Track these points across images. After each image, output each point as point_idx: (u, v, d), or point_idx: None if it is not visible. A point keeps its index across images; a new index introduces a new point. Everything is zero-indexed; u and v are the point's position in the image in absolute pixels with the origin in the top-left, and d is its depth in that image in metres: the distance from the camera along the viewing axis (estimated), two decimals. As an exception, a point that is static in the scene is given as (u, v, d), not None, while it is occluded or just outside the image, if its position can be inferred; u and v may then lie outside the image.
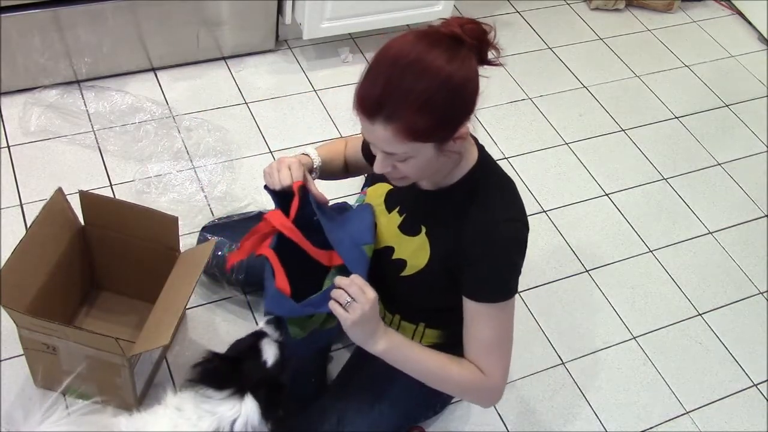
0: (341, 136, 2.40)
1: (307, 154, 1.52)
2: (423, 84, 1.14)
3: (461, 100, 1.18)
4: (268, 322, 1.43)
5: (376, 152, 1.26)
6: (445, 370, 1.38)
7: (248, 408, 1.29)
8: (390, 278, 1.47)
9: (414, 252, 1.42)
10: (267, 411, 1.30)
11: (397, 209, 1.47)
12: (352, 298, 1.25)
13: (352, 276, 1.27)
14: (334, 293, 1.27)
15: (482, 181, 1.36)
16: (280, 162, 1.39)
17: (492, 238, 1.32)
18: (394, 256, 1.45)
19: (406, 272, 1.44)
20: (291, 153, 2.34)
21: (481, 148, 1.39)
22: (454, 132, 1.21)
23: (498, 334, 1.38)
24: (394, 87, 1.14)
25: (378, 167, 1.26)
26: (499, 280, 1.35)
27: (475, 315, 1.36)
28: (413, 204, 1.44)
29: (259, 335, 1.41)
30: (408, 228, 1.44)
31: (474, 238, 1.33)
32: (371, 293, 1.27)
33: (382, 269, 1.49)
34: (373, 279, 1.58)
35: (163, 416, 1.33)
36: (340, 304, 1.26)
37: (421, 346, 1.40)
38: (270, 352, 1.36)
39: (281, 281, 1.32)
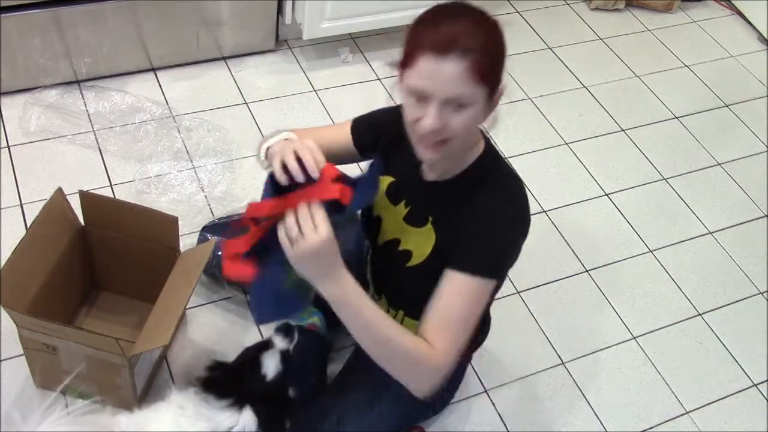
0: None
1: (289, 139, 1.42)
2: (485, 26, 1.20)
3: (505, 50, 1.24)
4: (277, 330, 1.42)
5: (427, 107, 1.22)
6: (393, 331, 1.25)
7: (246, 420, 1.29)
8: (396, 270, 1.47)
9: (420, 242, 1.42)
10: (268, 424, 1.30)
11: (403, 201, 1.47)
12: (302, 233, 1.15)
13: (313, 207, 1.17)
14: (287, 222, 1.17)
15: (490, 169, 1.37)
16: (294, 148, 1.23)
17: (495, 215, 1.32)
18: (401, 248, 1.45)
19: (412, 262, 1.43)
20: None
21: (487, 140, 1.40)
22: (499, 82, 1.24)
23: (465, 312, 1.30)
24: (464, 25, 1.19)
25: (432, 121, 1.21)
26: (492, 254, 1.31)
27: (451, 285, 1.29)
28: (419, 195, 1.44)
29: (263, 346, 1.40)
30: (414, 219, 1.44)
31: (476, 217, 1.32)
32: (324, 231, 1.16)
33: (388, 261, 1.49)
34: (379, 272, 1.58)
35: (165, 413, 1.33)
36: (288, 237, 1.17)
37: (376, 306, 1.27)
38: (271, 365, 1.35)
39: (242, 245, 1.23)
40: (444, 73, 1.17)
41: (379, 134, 1.51)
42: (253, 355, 1.38)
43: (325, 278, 1.22)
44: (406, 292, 1.52)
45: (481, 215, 1.33)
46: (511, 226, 1.34)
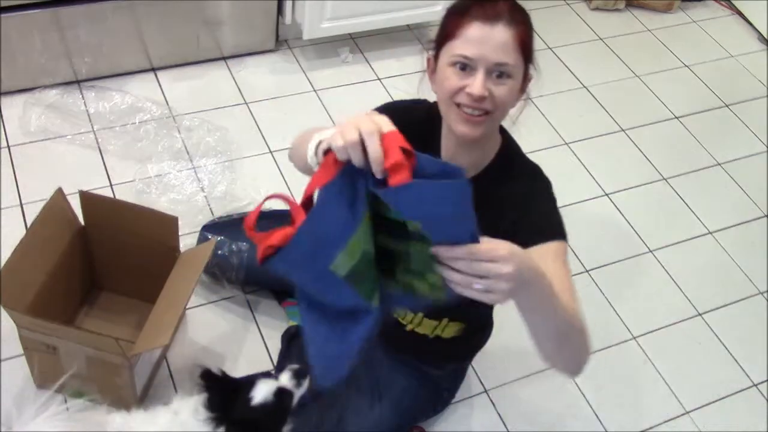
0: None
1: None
2: (522, 8, 1.26)
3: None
4: (290, 367, 1.38)
5: (471, 75, 1.22)
6: (566, 309, 1.10)
7: None
8: None
9: None
10: None
11: None
12: (484, 276, 0.91)
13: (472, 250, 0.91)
14: (458, 278, 0.92)
15: (514, 156, 1.40)
16: (360, 128, 0.92)
17: (533, 192, 1.35)
18: None
19: None
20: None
21: (503, 130, 1.42)
22: (532, 62, 1.29)
23: (568, 273, 1.23)
24: (506, 3, 1.23)
25: (480, 85, 1.22)
26: (555, 220, 1.33)
27: (542, 258, 1.15)
28: None
29: (269, 375, 1.37)
30: None
31: (515, 200, 1.33)
32: (504, 250, 0.92)
33: None
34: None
35: (162, 416, 1.33)
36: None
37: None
38: (260, 392, 1.33)
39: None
40: (494, 38, 1.20)
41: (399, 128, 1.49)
42: (254, 379, 1.36)
43: (534, 277, 1.00)
44: None
45: (522, 194, 1.35)
46: (551, 192, 1.39)
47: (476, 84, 1.22)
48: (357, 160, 0.92)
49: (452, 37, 1.23)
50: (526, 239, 1.23)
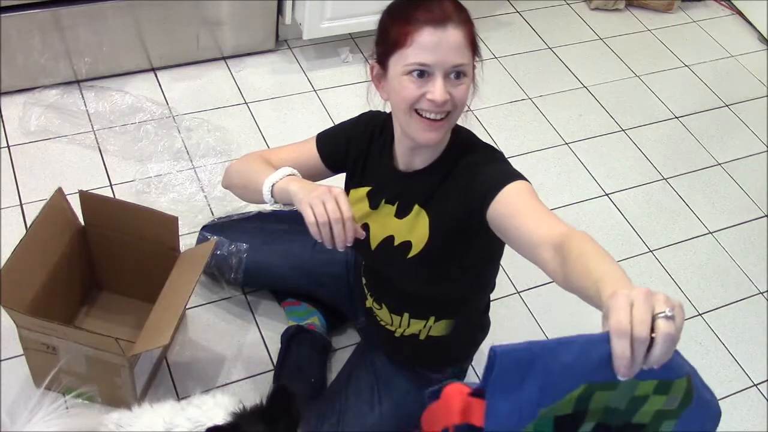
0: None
1: (292, 172, 1.37)
2: (458, 3, 1.26)
3: None
4: None
5: (429, 81, 1.23)
6: (605, 255, 1.05)
7: None
8: (399, 266, 1.46)
9: (413, 228, 1.42)
10: None
11: (383, 200, 1.46)
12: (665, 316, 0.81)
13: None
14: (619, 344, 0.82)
15: (466, 142, 1.39)
16: (325, 206, 1.22)
17: (486, 158, 1.36)
18: (396, 242, 1.45)
19: (414, 251, 1.43)
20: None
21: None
22: (479, 53, 1.30)
23: (542, 206, 1.24)
24: (444, 2, 1.23)
25: (441, 91, 1.22)
26: (513, 170, 1.32)
27: (514, 196, 1.24)
28: (401, 189, 1.43)
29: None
30: (402, 211, 1.44)
31: (467, 170, 1.34)
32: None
33: (387, 261, 1.49)
34: (378, 279, 1.57)
35: (165, 413, 1.33)
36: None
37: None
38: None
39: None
40: (447, 41, 1.21)
41: (347, 147, 1.50)
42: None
43: None
44: (410, 290, 1.51)
45: (473, 165, 1.34)
46: (505, 161, 1.38)
47: (437, 90, 1.23)
48: (327, 240, 1.22)
49: (402, 45, 1.22)
50: (490, 186, 1.26)
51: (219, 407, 1.27)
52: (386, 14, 1.29)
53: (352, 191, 1.51)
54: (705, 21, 3.27)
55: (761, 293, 2.26)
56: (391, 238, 1.46)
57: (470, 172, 1.33)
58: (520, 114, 2.66)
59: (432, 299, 1.52)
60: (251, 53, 2.65)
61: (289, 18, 2.57)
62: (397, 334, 1.59)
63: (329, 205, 1.21)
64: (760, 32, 3.24)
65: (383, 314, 1.58)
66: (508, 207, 1.23)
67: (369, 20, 2.61)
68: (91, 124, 2.32)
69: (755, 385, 2.03)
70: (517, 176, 1.29)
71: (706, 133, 2.75)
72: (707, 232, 2.41)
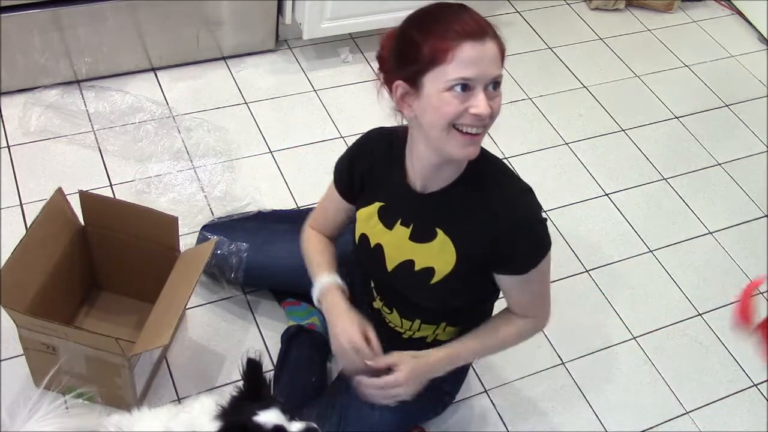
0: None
1: (333, 284, 1.54)
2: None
3: None
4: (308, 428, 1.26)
5: (471, 95, 1.22)
6: (503, 341, 1.52)
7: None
8: (418, 290, 1.46)
9: (438, 256, 1.41)
10: None
11: (399, 222, 1.45)
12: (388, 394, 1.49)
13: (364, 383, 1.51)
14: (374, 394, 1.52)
15: (483, 165, 1.37)
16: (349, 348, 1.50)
17: (516, 211, 1.37)
18: (418, 267, 1.44)
19: (437, 278, 1.42)
20: (290, 153, 2.35)
21: None
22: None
23: (544, 286, 1.48)
24: (474, 15, 1.24)
25: (485, 106, 1.22)
26: (539, 242, 1.39)
27: (521, 284, 1.43)
28: (418, 210, 1.42)
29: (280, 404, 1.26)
30: (421, 236, 1.42)
31: (498, 218, 1.35)
32: (395, 379, 1.48)
33: (407, 282, 1.47)
34: (394, 293, 1.56)
35: (155, 419, 1.33)
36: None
37: (470, 339, 1.52)
38: (268, 417, 1.22)
39: None
40: (487, 55, 1.21)
41: (351, 170, 1.51)
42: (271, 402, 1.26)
43: (430, 374, 1.52)
44: (427, 307, 1.52)
45: (503, 212, 1.36)
46: (535, 211, 1.40)
47: (481, 103, 1.22)
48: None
49: (441, 62, 1.20)
50: (512, 267, 1.40)
51: (204, 412, 1.26)
52: (413, 31, 1.26)
53: (362, 210, 1.50)
54: (705, 21, 3.27)
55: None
56: (410, 263, 1.45)
57: (494, 220, 1.36)
58: (520, 114, 2.66)
59: (448, 311, 1.53)
60: (251, 53, 2.65)
61: (289, 18, 2.57)
62: (405, 336, 1.59)
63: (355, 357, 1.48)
64: (760, 32, 3.24)
65: (393, 318, 1.58)
66: (514, 288, 1.45)
67: (369, 20, 2.61)
68: (91, 124, 2.32)
69: (755, 385, 2.03)
70: (544, 248, 1.39)
71: (706, 133, 2.75)
72: (707, 232, 2.41)
